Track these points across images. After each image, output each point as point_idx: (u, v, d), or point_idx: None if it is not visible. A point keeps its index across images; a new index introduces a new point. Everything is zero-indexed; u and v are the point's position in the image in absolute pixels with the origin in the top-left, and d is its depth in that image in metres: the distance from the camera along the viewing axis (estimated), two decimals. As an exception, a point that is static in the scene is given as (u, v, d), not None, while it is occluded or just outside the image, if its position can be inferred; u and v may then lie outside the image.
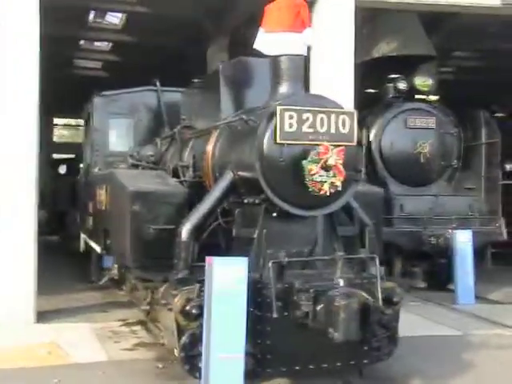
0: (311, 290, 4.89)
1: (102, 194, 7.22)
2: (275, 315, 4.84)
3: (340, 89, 8.79)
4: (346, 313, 4.57)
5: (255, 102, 6.19)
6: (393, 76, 11.20)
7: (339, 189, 5.12)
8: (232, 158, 5.62)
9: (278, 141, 5.07)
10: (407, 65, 11.26)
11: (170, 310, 5.26)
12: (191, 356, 5.16)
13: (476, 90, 15.69)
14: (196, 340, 5.15)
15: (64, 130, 31.73)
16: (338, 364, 5.21)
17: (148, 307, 7.14)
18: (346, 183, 5.25)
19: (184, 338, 5.14)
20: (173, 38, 14.96)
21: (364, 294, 4.84)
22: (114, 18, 15.28)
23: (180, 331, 5.16)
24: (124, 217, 5.87)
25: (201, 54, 15.10)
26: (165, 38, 14.96)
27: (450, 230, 9.74)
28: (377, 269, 5.17)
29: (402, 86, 10.89)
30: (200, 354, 5.17)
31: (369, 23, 11.82)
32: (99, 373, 5.98)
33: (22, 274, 7.81)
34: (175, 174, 6.62)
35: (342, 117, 5.22)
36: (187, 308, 5.10)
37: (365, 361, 5.27)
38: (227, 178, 5.61)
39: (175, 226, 5.73)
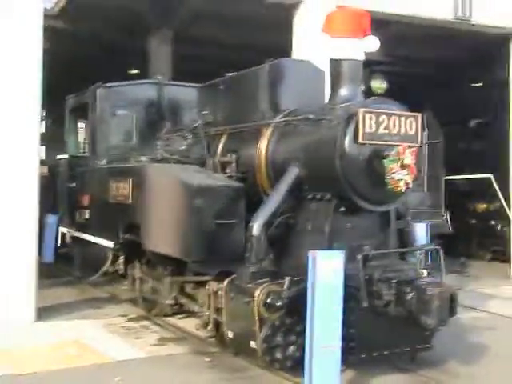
0: (393, 281, 5.27)
1: (123, 188, 7.04)
2: (365, 305, 5.17)
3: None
4: (439, 300, 5.00)
5: (292, 102, 6.45)
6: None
7: (410, 186, 5.54)
8: (297, 155, 5.83)
9: (361, 141, 5.39)
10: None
11: (248, 302, 5.40)
12: (272, 347, 5.35)
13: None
14: (276, 331, 5.35)
15: None
16: (407, 349, 5.66)
17: (173, 301, 7.14)
18: (410, 181, 5.69)
19: (265, 330, 5.31)
20: (111, 27, 14.49)
21: (447, 283, 5.31)
22: (48, 3, 14.45)
23: (261, 323, 5.32)
24: (184, 212, 5.85)
25: (139, 46, 14.81)
26: (102, 26, 14.45)
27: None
28: (441, 259, 5.65)
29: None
30: (279, 346, 5.39)
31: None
32: (151, 369, 5.93)
33: (22, 271, 7.41)
34: (215, 169, 6.66)
35: (409, 119, 5.65)
36: (270, 300, 5.28)
37: (427, 345, 5.75)
38: (292, 174, 5.82)
39: (235, 220, 5.86)
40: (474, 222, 14.00)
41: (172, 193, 6.12)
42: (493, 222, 13.55)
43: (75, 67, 16.12)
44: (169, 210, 6.15)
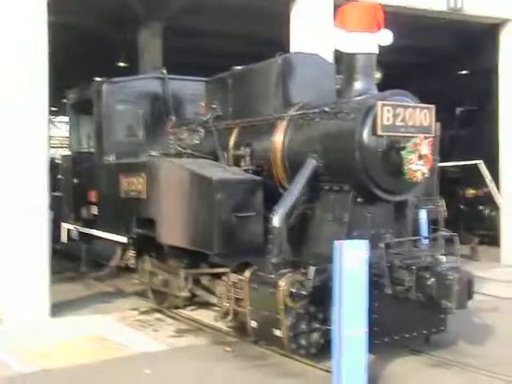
0: (413, 267, 5.47)
1: (136, 183, 7.11)
2: (389, 291, 5.36)
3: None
4: (459, 285, 5.21)
5: (303, 95, 6.58)
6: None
7: (427, 175, 5.74)
8: (315, 147, 5.98)
9: (379, 133, 5.56)
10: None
11: (272, 293, 5.55)
12: (297, 335, 5.52)
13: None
14: (300, 320, 5.52)
15: None
16: (424, 332, 5.89)
17: (188, 294, 7.25)
18: (426, 171, 5.88)
19: (291, 319, 5.48)
20: (99, 19, 14.39)
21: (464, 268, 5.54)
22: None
23: (286, 312, 5.48)
24: (205, 205, 5.97)
25: (129, 39, 14.75)
26: (90, 19, 14.35)
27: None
28: (457, 246, 5.86)
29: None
30: (303, 333, 5.56)
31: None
32: (176, 360, 6.06)
33: (35, 268, 7.46)
34: (228, 163, 6.78)
35: (424, 111, 5.84)
36: (295, 290, 5.44)
37: (441, 327, 5.98)
38: (310, 166, 5.97)
39: (254, 212, 6.01)
40: (462, 207, 14.31)
41: (191, 187, 6.22)
42: (481, 207, 13.86)
43: (62, 60, 15.96)
44: (187, 204, 6.26)
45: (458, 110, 14.92)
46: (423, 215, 11.18)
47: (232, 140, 6.99)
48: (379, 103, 5.54)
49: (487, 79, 13.49)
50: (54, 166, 10.18)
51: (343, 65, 6.12)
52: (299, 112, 6.25)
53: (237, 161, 6.78)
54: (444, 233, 5.79)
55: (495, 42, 11.62)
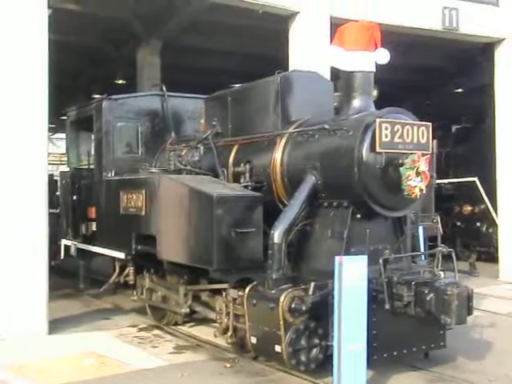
0: (413, 283, 5.50)
1: (136, 199, 7.15)
2: (387, 307, 5.39)
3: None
4: (458, 300, 5.24)
5: (302, 113, 6.66)
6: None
7: (424, 192, 5.79)
8: (314, 164, 6.04)
9: (378, 150, 5.63)
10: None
11: (272, 308, 5.57)
12: (296, 350, 5.53)
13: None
14: (300, 335, 5.54)
15: None
16: (423, 347, 5.91)
17: (188, 310, 7.26)
18: (423, 187, 5.94)
19: (290, 334, 5.50)
20: (98, 37, 14.52)
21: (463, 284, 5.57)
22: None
23: (286, 328, 5.50)
24: (205, 221, 6.00)
25: (127, 57, 14.87)
26: (91, 37, 14.47)
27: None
28: (454, 261, 5.91)
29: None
30: (303, 349, 5.58)
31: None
32: (175, 377, 6.04)
33: (33, 284, 7.46)
34: (228, 179, 6.83)
35: (421, 128, 5.91)
36: (295, 305, 5.47)
37: (441, 343, 6.00)
38: (309, 182, 6.03)
39: (254, 228, 6.04)
40: (459, 223, 14.38)
41: (191, 203, 6.26)
42: (478, 224, 13.93)
43: (60, 77, 16.05)
44: (187, 221, 6.29)
45: (454, 127, 15.06)
46: (420, 232, 11.25)
47: (232, 157, 7.05)
48: (378, 120, 5.62)
49: (482, 97, 13.66)
50: (52, 183, 10.22)
51: (341, 83, 6.21)
52: (298, 129, 6.33)
53: (236, 177, 6.83)
54: (442, 248, 5.82)
55: (490, 60, 11.77)
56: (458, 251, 14.75)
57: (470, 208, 14.06)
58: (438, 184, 13.14)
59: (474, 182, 13.35)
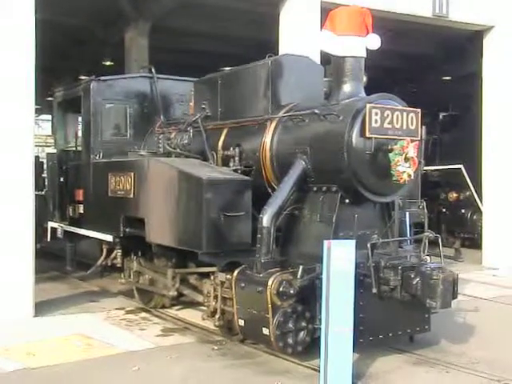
0: (399, 267, 5.56)
1: (124, 182, 7.12)
2: (374, 291, 5.45)
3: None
4: (444, 285, 5.32)
5: (292, 97, 6.65)
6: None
7: (412, 177, 5.84)
8: (303, 148, 6.05)
9: (367, 135, 5.65)
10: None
11: (261, 291, 5.61)
12: (284, 333, 5.58)
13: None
14: (288, 318, 5.59)
15: None
16: (409, 331, 5.99)
17: (176, 293, 7.27)
18: (411, 173, 5.98)
19: (278, 317, 5.55)
20: (85, 18, 14.33)
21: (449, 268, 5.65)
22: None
23: (274, 311, 5.54)
24: (195, 205, 6.01)
25: (115, 38, 14.72)
26: (79, 18, 14.28)
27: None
28: (440, 246, 5.98)
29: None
30: (290, 331, 5.63)
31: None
32: (162, 358, 6.08)
33: (20, 266, 7.44)
34: (217, 163, 6.83)
35: (411, 114, 5.94)
36: (283, 289, 5.51)
37: (426, 326, 6.09)
38: (299, 167, 6.05)
39: (243, 212, 6.06)
40: (444, 210, 14.51)
41: (180, 186, 6.25)
42: (463, 211, 14.06)
43: (47, 58, 15.87)
44: (176, 204, 6.29)
45: (441, 115, 15.13)
46: (406, 217, 11.34)
47: (221, 140, 7.04)
48: (368, 106, 5.64)
49: (470, 85, 13.71)
50: (37, 165, 10.14)
51: (332, 68, 6.20)
52: (289, 113, 6.33)
53: (226, 161, 6.83)
54: (428, 234, 5.88)
55: (479, 48, 11.81)
56: (442, 237, 14.91)
57: (455, 195, 14.18)
58: (424, 171, 13.24)
59: (459, 169, 13.45)
